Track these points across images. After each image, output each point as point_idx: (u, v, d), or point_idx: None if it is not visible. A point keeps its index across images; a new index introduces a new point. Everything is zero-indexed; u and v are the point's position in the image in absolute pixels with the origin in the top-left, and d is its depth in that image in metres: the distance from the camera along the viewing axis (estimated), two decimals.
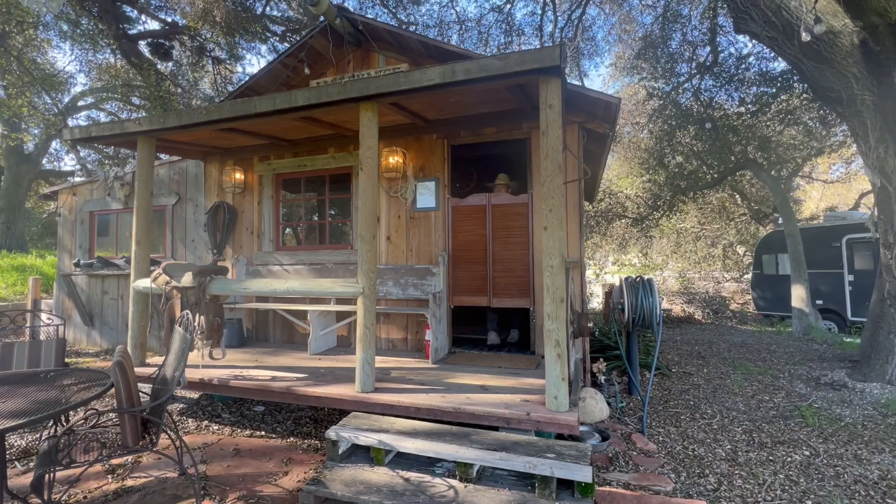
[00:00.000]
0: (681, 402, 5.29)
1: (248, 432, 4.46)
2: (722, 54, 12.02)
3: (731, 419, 4.74)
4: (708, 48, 12.14)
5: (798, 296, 10.20)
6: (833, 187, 20.90)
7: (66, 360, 6.67)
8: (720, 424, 4.60)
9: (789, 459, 3.85)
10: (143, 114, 15.81)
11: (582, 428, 4.11)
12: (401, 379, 4.38)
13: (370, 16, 13.20)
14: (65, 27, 14.58)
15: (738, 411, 4.98)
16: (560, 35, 14.79)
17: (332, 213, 9.56)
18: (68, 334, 8.32)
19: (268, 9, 14.94)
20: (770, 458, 3.89)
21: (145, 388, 4.47)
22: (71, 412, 3.42)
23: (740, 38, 12.08)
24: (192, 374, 4.49)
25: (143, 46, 14.52)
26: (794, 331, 10.11)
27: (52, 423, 3.33)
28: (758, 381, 6.12)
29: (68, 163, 21.87)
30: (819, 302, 10.53)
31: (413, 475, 3.18)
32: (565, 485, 3.00)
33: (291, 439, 4.28)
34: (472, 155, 7.74)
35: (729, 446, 4.10)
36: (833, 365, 6.92)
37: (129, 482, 3.43)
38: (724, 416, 4.82)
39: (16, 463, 3.76)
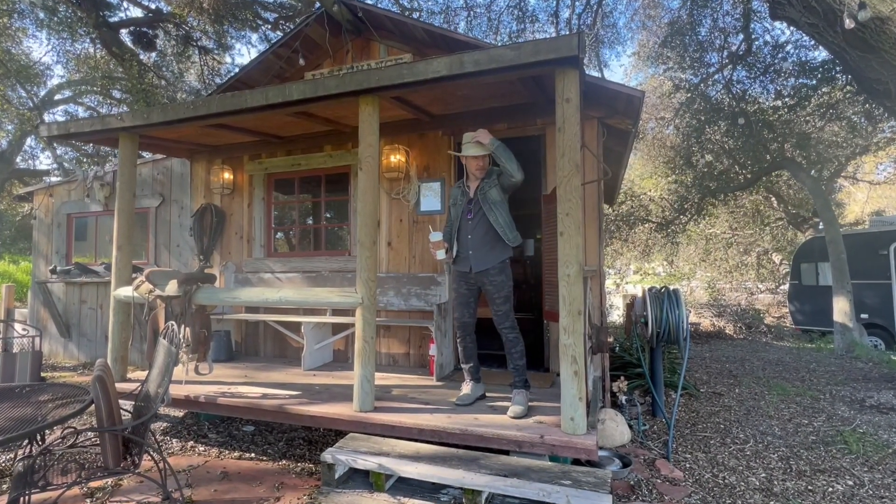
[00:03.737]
0: (710, 426, 5.27)
1: (236, 454, 4.49)
2: (756, 42, 12.01)
3: (766, 445, 4.73)
4: (741, 36, 12.14)
5: (840, 309, 10.14)
6: (880, 189, 20.76)
7: (42, 374, 6.74)
8: (754, 450, 4.59)
9: (830, 490, 3.84)
10: (125, 108, 16.00)
11: (601, 453, 4.11)
12: (403, 397, 4.41)
13: (370, 2, 13.32)
14: (41, 15, 14.79)
15: (773, 436, 4.96)
16: (578, 22, 14.85)
17: (329, 216, 9.63)
18: (44, 346, 8.40)
19: None
20: (809, 487, 3.87)
21: (127, 405, 4.51)
22: (48, 431, 3.46)
23: (776, 24, 12.08)
24: (176, 391, 4.53)
25: (124, 35, 14.68)
26: (835, 348, 10.04)
27: (27, 442, 3.37)
28: (795, 403, 6.09)
29: (44, 161, 22.12)
30: (864, 316, 10.47)
31: (416, 502, 3.20)
32: None
33: (284, 462, 4.31)
34: None
35: (763, 475, 4.09)
36: (879, 385, 6.88)
37: None
38: (759, 442, 4.80)
39: None
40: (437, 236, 4.21)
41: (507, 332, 4.09)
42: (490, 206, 4.07)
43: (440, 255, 4.18)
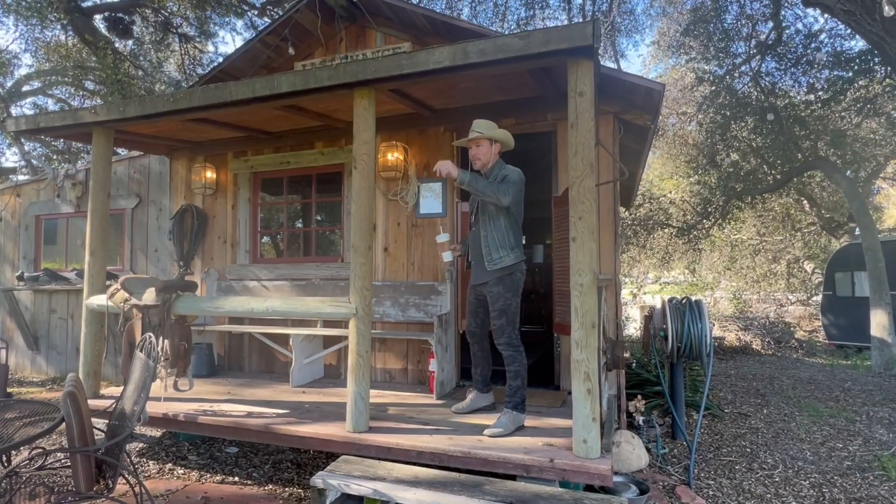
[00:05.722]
0: (735, 449, 5.27)
1: (218, 477, 4.50)
2: (787, 31, 12.05)
3: (797, 470, 4.73)
4: (770, 24, 12.17)
5: (879, 322, 10.13)
6: None
7: (8, 389, 6.76)
8: (783, 477, 4.59)
9: None
10: (99, 101, 16.04)
11: (616, 478, 4.11)
12: (400, 417, 4.42)
13: None
14: None
15: (804, 461, 4.97)
16: (592, 8, 14.91)
17: (320, 219, 9.65)
18: (10, 359, 8.42)
19: None
20: None
21: (100, 423, 4.53)
22: (14, 451, 3.48)
23: (809, 11, 12.10)
24: (154, 408, 4.54)
25: (98, 22, 14.75)
26: (873, 365, 10.03)
27: None
28: (829, 425, 6.09)
29: (10, 158, 22.15)
30: None
31: None
32: None
33: (270, 487, 4.32)
34: None
35: (794, 503, 4.09)
36: None
37: None
38: (788, 467, 4.81)
39: None
40: (444, 237, 4.42)
41: (502, 349, 4.13)
42: (487, 217, 4.15)
43: (447, 256, 4.41)
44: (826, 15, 9.63)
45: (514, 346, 4.10)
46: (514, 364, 4.10)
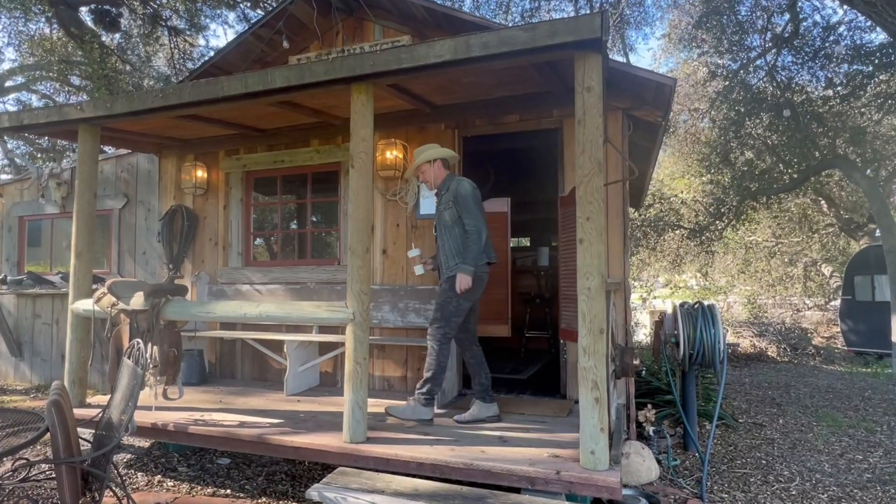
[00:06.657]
0: (750, 461, 5.27)
1: (210, 490, 4.50)
2: (804, 23, 12.05)
3: (815, 483, 4.73)
4: (787, 15, 12.19)
5: None
6: None
7: None
8: (800, 490, 4.59)
9: None
10: (85, 97, 16.08)
11: (625, 491, 4.11)
12: (399, 427, 4.41)
13: None
14: None
15: (822, 473, 4.96)
16: (601, 0, 14.93)
17: (315, 220, 9.67)
18: None
19: None
20: None
21: (86, 433, 4.53)
22: None
23: (828, 2, 12.15)
24: (142, 418, 4.54)
25: (84, 14, 14.78)
26: (894, 372, 10.02)
27: None
28: (848, 436, 6.08)
29: None
30: None
31: None
32: None
33: (263, 499, 4.32)
34: (490, 149, 7.82)
35: None
36: None
37: None
38: (806, 480, 4.80)
39: None
40: (415, 252, 4.88)
41: (428, 339, 4.46)
42: (443, 228, 4.45)
43: (419, 270, 4.83)
44: (845, 6, 9.63)
45: (437, 341, 4.36)
46: (431, 357, 4.40)
